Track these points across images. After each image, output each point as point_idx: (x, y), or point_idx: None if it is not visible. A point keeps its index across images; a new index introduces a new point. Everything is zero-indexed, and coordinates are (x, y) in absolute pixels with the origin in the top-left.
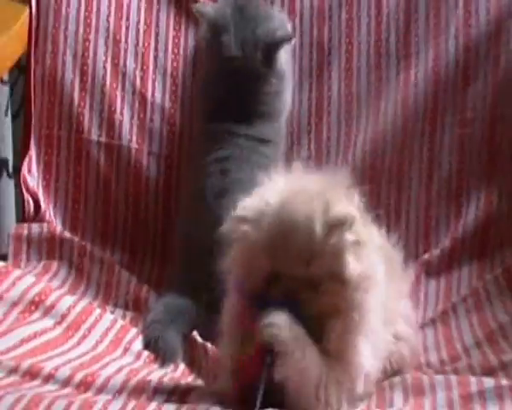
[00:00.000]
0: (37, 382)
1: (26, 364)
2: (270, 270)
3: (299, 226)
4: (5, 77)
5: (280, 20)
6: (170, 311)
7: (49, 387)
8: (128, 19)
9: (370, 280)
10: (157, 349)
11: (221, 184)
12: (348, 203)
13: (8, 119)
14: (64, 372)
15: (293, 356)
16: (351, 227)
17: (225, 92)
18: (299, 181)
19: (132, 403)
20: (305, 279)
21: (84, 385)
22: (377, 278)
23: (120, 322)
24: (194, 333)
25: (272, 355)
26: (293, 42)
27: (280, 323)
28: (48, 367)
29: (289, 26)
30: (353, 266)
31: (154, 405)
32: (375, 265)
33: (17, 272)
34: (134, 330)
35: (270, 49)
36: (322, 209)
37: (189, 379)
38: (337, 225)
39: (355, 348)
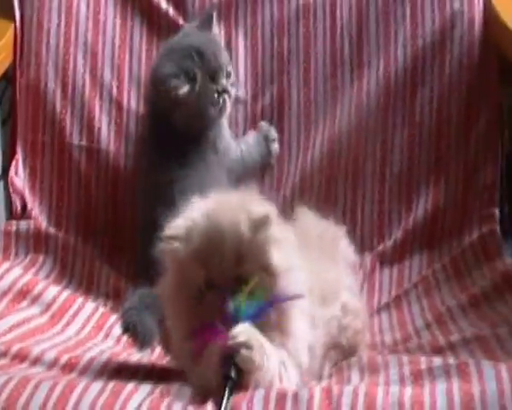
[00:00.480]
0: (25, 365)
1: (15, 348)
2: (204, 278)
3: (227, 231)
4: None
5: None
6: (145, 300)
7: (37, 369)
8: (104, 34)
9: (291, 271)
10: (135, 333)
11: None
12: (264, 206)
13: None
14: (50, 356)
15: (260, 369)
16: (271, 225)
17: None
18: (218, 198)
19: (112, 383)
20: (236, 277)
21: (69, 367)
22: (295, 269)
23: (101, 310)
24: None
25: (237, 369)
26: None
27: (251, 341)
28: (35, 351)
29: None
30: (277, 258)
31: (132, 385)
32: (292, 258)
33: (6, 265)
34: (114, 317)
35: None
36: (244, 213)
37: (164, 361)
38: (261, 224)
39: (292, 321)
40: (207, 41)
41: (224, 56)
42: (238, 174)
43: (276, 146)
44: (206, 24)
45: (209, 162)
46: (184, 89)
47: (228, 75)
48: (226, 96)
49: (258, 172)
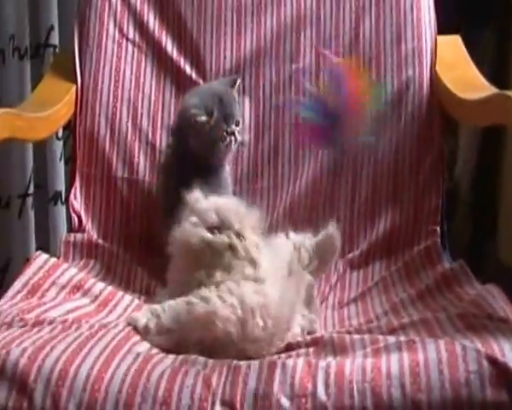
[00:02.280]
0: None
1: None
2: None
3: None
4: (60, 134)
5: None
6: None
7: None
8: (143, 92)
9: None
10: None
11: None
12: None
13: (62, 163)
14: None
15: None
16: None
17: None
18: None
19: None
20: None
21: None
22: None
23: (136, 302)
24: None
25: None
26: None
27: None
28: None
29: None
30: None
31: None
32: None
33: (65, 265)
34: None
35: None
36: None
37: None
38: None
39: None
40: (227, 93)
41: (237, 109)
42: None
43: None
44: (231, 83)
45: (212, 188)
46: (202, 118)
47: (237, 124)
48: (233, 138)
49: None
